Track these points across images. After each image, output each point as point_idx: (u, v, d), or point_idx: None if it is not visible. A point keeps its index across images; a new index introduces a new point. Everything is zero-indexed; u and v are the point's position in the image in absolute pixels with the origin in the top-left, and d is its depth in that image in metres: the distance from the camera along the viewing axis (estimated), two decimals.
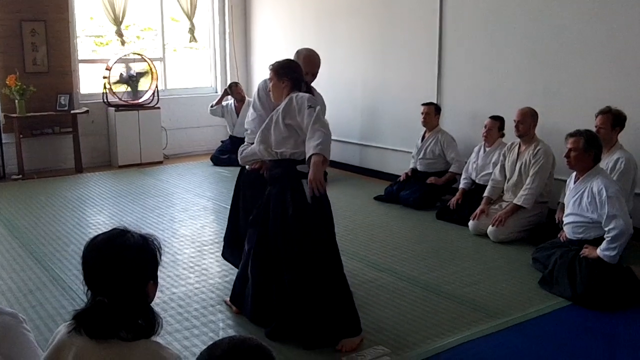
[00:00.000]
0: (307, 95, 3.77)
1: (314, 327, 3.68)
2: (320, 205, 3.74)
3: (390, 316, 4.10)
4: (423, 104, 7.02)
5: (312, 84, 4.36)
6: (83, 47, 9.35)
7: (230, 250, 4.64)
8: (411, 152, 7.29)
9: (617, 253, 4.26)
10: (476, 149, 6.50)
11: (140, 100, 9.34)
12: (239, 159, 4.24)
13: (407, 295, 4.44)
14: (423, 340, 3.76)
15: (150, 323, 2.00)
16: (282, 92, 3.85)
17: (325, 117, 8.15)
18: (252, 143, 4.07)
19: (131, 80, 9.30)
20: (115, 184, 8.03)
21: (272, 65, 3.92)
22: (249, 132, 4.27)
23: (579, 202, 4.51)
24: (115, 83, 9.14)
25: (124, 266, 1.97)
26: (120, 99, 9.15)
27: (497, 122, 6.29)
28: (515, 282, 4.69)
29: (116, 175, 8.57)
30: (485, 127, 6.32)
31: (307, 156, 3.59)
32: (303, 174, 3.70)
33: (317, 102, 3.76)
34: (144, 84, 9.41)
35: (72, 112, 8.64)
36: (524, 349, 3.71)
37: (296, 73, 3.91)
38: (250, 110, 4.39)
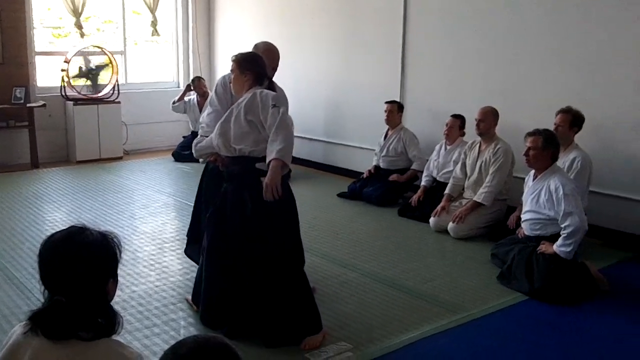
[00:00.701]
0: (271, 92, 3.73)
1: (276, 325, 3.68)
2: (281, 203, 3.68)
3: (352, 312, 4.12)
4: (386, 102, 7.04)
5: (273, 79, 4.34)
6: (40, 38, 9.15)
7: (192, 246, 4.60)
8: (374, 150, 7.32)
9: (573, 249, 4.36)
10: (437, 147, 6.56)
11: (100, 94, 9.19)
12: (193, 151, 4.19)
13: (370, 291, 4.47)
14: (385, 335, 3.79)
15: (110, 322, 1.96)
16: (243, 85, 3.80)
17: (290, 113, 8.18)
18: (207, 137, 4.03)
19: (91, 73, 9.15)
20: (73, 180, 7.89)
21: (235, 56, 3.85)
22: (204, 125, 4.23)
23: (537, 200, 4.60)
24: (74, 76, 8.99)
25: (82, 264, 1.92)
26: (79, 93, 8.98)
27: (458, 121, 6.35)
28: (475, 277, 4.76)
29: (74, 171, 8.42)
30: (447, 125, 6.38)
31: (267, 160, 3.57)
32: (262, 171, 3.64)
33: (281, 101, 3.71)
34: (104, 78, 9.27)
35: (28, 105, 8.44)
36: (484, 343, 3.77)
37: (259, 67, 3.85)
38: (208, 105, 4.37)
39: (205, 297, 3.90)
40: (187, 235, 4.73)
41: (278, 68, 4.53)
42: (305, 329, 3.68)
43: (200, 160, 4.33)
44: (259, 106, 3.64)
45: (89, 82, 9.16)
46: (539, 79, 5.98)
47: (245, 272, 3.70)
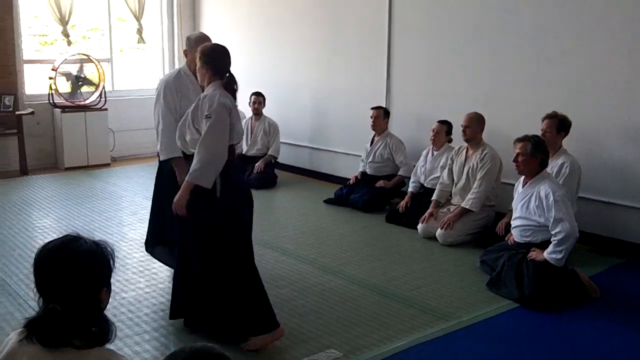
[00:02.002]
0: (212, 98, 3.63)
1: (222, 321, 3.70)
2: (233, 204, 3.70)
3: (340, 319, 4.12)
4: (372, 108, 7.07)
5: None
6: (27, 46, 9.13)
7: (160, 249, 4.70)
8: (361, 156, 7.34)
9: (564, 256, 4.37)
10: (424, 152, 6.59)
11: (87, 102, 9.18)
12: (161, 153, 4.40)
13: (358, 298, 4.48)
14: (374, 343, 3.80)
15: (103, 330, 1.97)
16: (204, 77, 3.81)
17: (274, 119, 8.22)
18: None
19: (78, 81, 9.14)
20: (61, 187, 7.88)
21: (200, 48, 3.81)
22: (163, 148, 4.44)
23: (527, 206, 4.62)
24: (61, 84, 8.96)
25: (77, 273, 1.93)
26: (66, 100, 8.97)
27: (445, 126, 6.39)
28: (464, 284, 4.78)
29: (62, 178, 8.40)
30: (433, 131, 6.42)
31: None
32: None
33: (216, 109, 3.59)
34: (90, 85, 9.25)
35: (16, 113, 8.43)
36: (474, 351, 3.78)
37: (217, 60, 3.78)
38: (160, 118, 4.48)
39: (172, 288, 4.00)
40: (149, 238, 4.78)
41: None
42: (253, 328, 3.68)
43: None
44: (199, 114, 3.64)
45: (76, 90, 9.13)
46: (525, 85, 6.03)
47: (197, 266, 3.73)
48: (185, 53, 4.67)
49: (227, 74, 3.80)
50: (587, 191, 5.51)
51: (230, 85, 3.77)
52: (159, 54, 10.43)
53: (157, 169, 4.78)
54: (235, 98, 3.76)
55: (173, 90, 4.47)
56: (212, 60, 3.77)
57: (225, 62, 3.82)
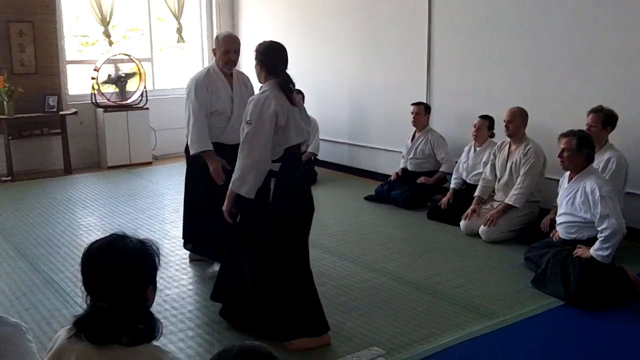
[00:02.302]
0: (259, 101, 3.60)
1: (266, 319, 3.71)
2: (288, 207, 3.69)
3: (383, 317, 4.10)
4: (413, 104, 7.03)
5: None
6: (69, 47, 9.28)
7: (200, 244, 4.86)
8: (401, 152, 7.30)
9: (610, 253, 4.28)
10: (466, 148, 6.52)
11: (129, 101, 9.30)
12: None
13: (400, 296, 4.45)
14: (417, 340, 3.77)
15: (150, 327, 1.99)
16: (260, 75, 3.80)
17: (314, 116, 8.24)
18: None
19: (119, 80, 9.27)
20: (104, 185, 8.00)
21: (257, 45, 3.81)
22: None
23: (572, 202, 4.54)
24: (103, 84, 9.11)
25: (123, 271, 1.96)
26: (108, 100, 9.10)
27: (486, 121, 6.31)
28: (508, 281, 4.71)
29: (105, 176, 8.53)
30: (475, 126, 6.35)
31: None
32: (272, 172, 3.64)
33: (256, 114, 3.56)
34: (132, 85, 9.38)
35: (60, 113, 8.60)
36: (518, 349, 3.73)
37: (271, 59, 3.73)
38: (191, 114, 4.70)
39: (218, 276, 4.08)
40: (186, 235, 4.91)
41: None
42: (300, 329, 3.68)
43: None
44: (244, 116, 3.66)
45: (118, 89, 9.27)
46: (569, 78, 5.92)
47: (246, 266, 3.74)
48: (214, 51, 4.77)
49: (283, 72, 3.73)
50: (634, 186, 5.39)
51: (285, 84, 3.69)
52: (199, 53, 10.51)
53: (187, 165, 4.91)
54: (290, 97, 3.67)
55: (204, 88, 4.66)
56: (267, 59, 3.74)
57: (280, 60, 3.75)
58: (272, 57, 3.75)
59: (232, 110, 4.75)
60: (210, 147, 4.48)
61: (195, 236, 4.96)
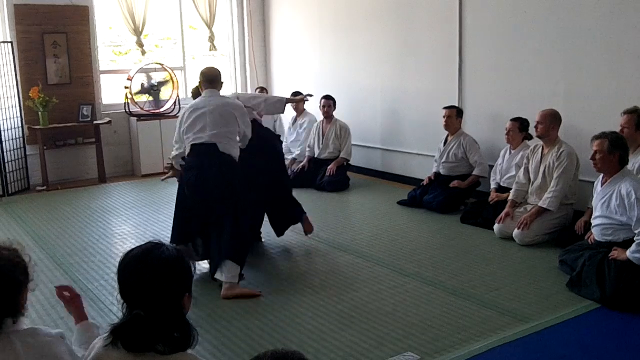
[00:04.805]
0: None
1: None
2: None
3: (417, 322, 4.09)
4: (444, 107, 7.00)
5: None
6: (102, 57, 9.41)
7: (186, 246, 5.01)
8: (434, 156, 7.27)
9: None
10: (502, 151, 6.47)
11: (162, 110, 9.40)
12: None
13: (434, 300, 4.43)
14: (452, 345, 3.75)
15: (186, 336, 2.01)
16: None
17: (346, 121, 8.30)
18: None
19: (152, 89, 9.38)
20: (138, 194, 8.09)
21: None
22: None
23: (607, 205, 4.48)
24: (136, 93, 9.23)
25: (159, 279, 1.98)
26: (142, 109, 9.22)
27: (517, 123, 6.24)
28: (543, 285, 4.66)
29: (139, 185, 8.63)
30: (506, 129, 6.29)
31: None
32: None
33: None
34: (165, 93, 9.48)
35: (94, 122, 8.72)
36: (553, 353, 3.68)
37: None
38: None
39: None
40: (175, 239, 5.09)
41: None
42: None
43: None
44: None
45: (151, 98, 9.38)
46: (604, 78, 5.83)
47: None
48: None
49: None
50: None
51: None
52: (230, 60, 10.58)
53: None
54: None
55: None
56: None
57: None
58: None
59: None
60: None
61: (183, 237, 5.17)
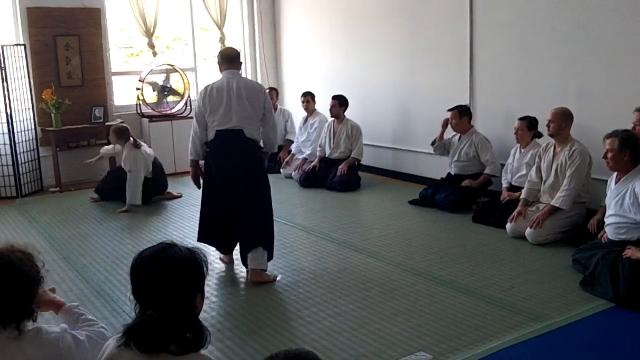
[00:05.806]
0: None
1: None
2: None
3: (430, 321, 4.08)
4: (448, 110, 6.97)
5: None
6: (114, 59, 9.45)
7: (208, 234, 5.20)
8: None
9: None
10: (513, 150, 6.44)
11: (173, 111, 9.44)
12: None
13: (446, 300, 4.42)
14: (465, 345, 3.74)
15: (199, 336, 2.02)
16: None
17: (357, 121, 8.30)
18: None
19: (164, 91, 9.41)
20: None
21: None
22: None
23: (621, 203, 4.46)
24: (148, 94, 9.25)
25: (173, 280, 1.99)
26: (153, 110, 9.26)
27: (525, 122, 6.19)
28: (556, 284, 4.64)
29: None
30: (515, 129, 6.26)
31: None
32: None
33: None
34: (176, 95, 9.51)
35: (107, 124, 8.74)
36: (567, 353, 3.66)
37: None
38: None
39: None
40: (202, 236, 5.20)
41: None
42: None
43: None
44: None
45: (162, 99, 9.40)
46: (616, 76, 5.79)
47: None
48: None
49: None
50: None
51: None
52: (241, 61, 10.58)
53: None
54: None
55: None
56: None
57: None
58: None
59: None
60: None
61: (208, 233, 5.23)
